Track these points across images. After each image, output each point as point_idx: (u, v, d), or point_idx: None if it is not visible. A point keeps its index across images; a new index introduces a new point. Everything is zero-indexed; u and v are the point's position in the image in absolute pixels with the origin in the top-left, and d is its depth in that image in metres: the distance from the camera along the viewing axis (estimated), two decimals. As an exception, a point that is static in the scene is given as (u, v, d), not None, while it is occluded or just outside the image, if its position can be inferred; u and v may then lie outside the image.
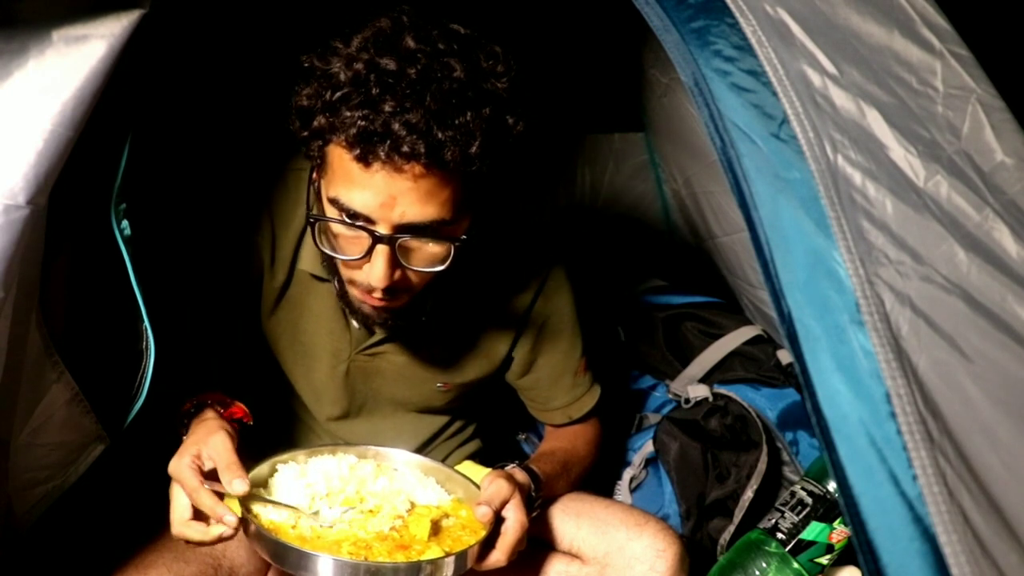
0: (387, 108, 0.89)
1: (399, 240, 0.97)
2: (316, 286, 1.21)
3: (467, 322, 1.28)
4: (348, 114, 0.91)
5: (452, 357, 1.29)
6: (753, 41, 0.81)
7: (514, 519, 1.08)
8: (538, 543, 1.24)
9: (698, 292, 1.85)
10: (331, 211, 0.99)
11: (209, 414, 1.10)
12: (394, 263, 0.98)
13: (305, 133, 0.98)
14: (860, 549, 0.68)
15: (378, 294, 1.02)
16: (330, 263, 1.09)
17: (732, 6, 0.83)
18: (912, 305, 0.73)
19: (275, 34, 1.60)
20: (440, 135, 0.90)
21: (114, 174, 0.92)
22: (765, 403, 1.60)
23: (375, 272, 0.98)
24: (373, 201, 0.94)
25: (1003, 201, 0.79)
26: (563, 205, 2.20)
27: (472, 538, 1.07)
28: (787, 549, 1.31)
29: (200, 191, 1.25)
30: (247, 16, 1.57)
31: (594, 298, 1.84)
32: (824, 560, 1.33)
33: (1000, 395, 0.71)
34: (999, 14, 1.75)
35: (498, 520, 1.08)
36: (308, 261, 1.19)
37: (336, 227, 0.99)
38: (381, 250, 0.97)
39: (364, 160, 0.92)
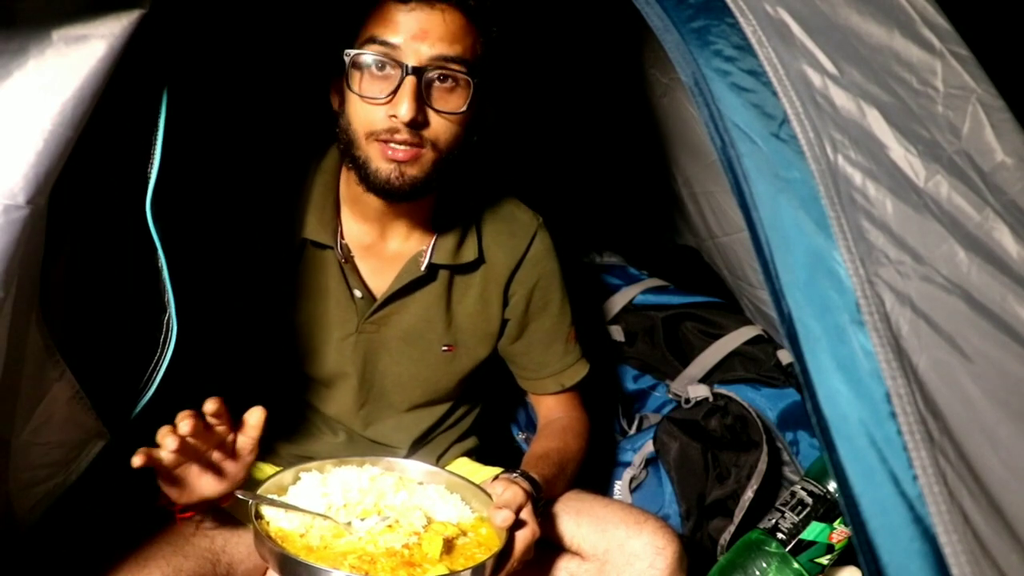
0: None
1: (426, 72, 1.10)
2: (320, 260, 1.28)
3: (463, 282, 1.34)
4: None
5: (451, 317, 1.34)
6: (753, 41, 0.81)
7: (527, 528, 1.10)
8: (538, 540, 1.24)
9: (698, 292, 1.85)
10: (367, 51, 1.11)
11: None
12: (419, 98, 1.09)
13: (344, 10, 1.13)
14: (860, 549, 0.68)
15: (402, 135, 1.11)
16: (349, 146, 1.16)
17: (732, 6, 0.83)
18: (912, 305, 0.73)
19: (274, 32, 1.61)
20: None
21: (139, 175, 0.92)
22: (765, 403, 1.60)
23: (402, 104, 1.08)
24: (407, 34, 1.09)
25: (1003, 201, 0.79)
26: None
27: (486, 556, 1.05)
28: (787, 549, 1.31)
29: (203, 197, 1.29)
30: (247, 15, 1.57)
31: (593, 297, 1.85)
32: (824, 560, 1.33)
33: (1000, 395, 0.71)
34: (999, 14, 1.75)
35: (511, 526, 1.09)
36: (312, 228, 1.25)
37: (368, 67, 1.11)
38: (409, 82, 1.09)
39: None
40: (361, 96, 1.12)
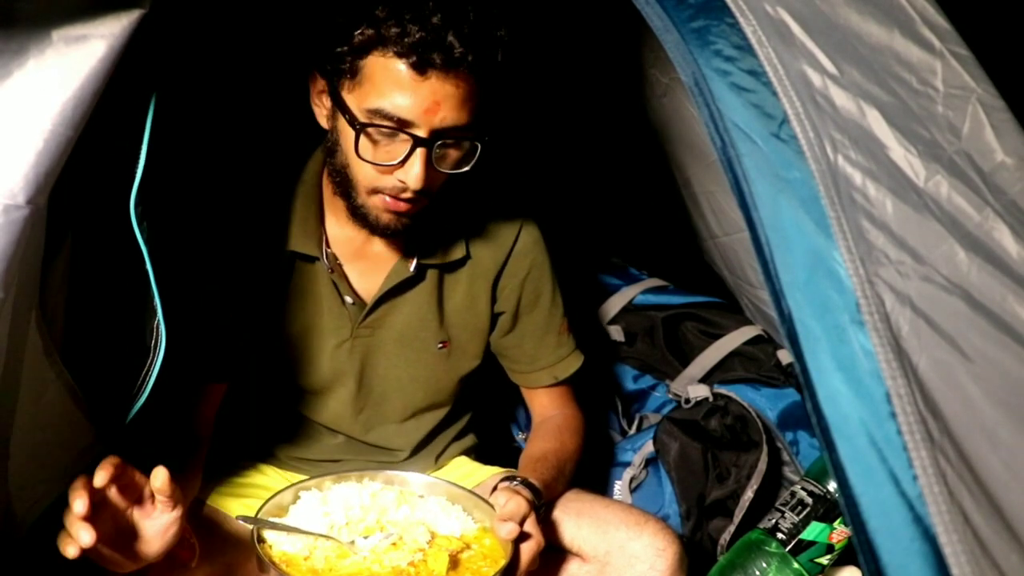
0: (436, 21, 1.01)
1: (436, 142, 1.08)
2: (310, 270, 1.27)
3: (452, 278, 1.34)
4: (399, 28, 1.01)
5: (443, 314, 1.34)
6: (753, 41, 0.81)
7: (532, 540, 1.10)
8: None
9: (698, 292, 1.85)
10: (373, 120, 1.07)
11: None
12: (429, 165, 1.08)
13: (341, 48, 1.06)
14: (860, 549, 0.68)
15: (408, 194, 1.11)
16: (344, 183, 1.16)
17: (732, 6, 0.83)
18: (912, 305, 0.73)
19: (271, 35, 1.60)
20: (483, 45, 1.05)
21: (130, 176, 0.91)
22: (765, 403, 1.60)
23: (412, 173, 1.08)
24: (420, 107, 1.05)
25: (1003, 201, 0.79)
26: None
27: (492, 569, 1.04)
28: (787, 549, 1.31)
29: (188, 214, 1.27)
30: (245, 16, 1.57)
31: (593, 297, 1.85)
32: (824, 560, 1.33)
33: (1000, 395, 0.71)
34: (999, 14, 1.75)
35: (516, 538, 1.08)
36: (297, 241, 1.24)
37: (376, 136, 1.09)
38: (420, 152, 1.07)
39: (421, 69, 1.03)
40: (372, 163, 1.10)
